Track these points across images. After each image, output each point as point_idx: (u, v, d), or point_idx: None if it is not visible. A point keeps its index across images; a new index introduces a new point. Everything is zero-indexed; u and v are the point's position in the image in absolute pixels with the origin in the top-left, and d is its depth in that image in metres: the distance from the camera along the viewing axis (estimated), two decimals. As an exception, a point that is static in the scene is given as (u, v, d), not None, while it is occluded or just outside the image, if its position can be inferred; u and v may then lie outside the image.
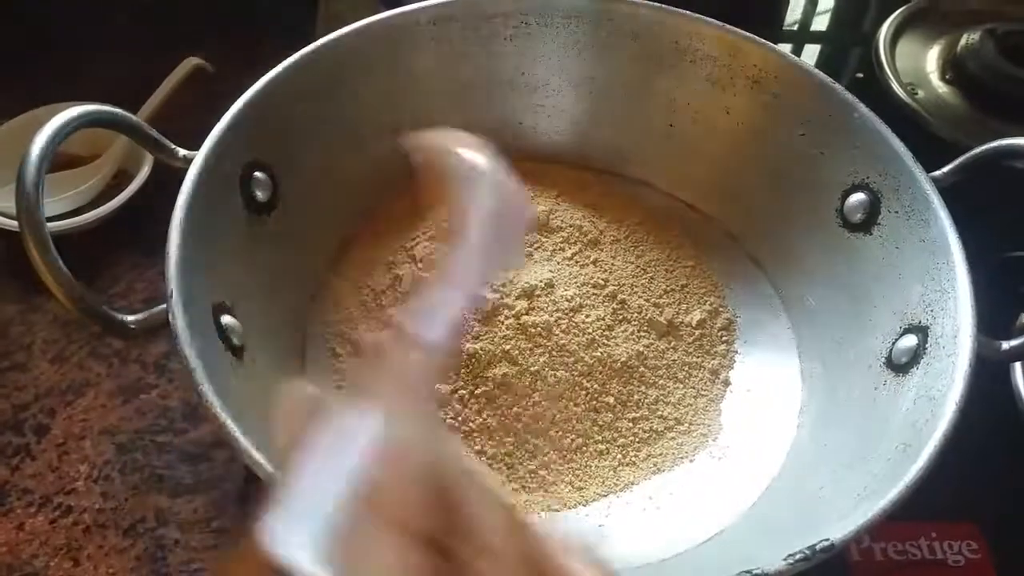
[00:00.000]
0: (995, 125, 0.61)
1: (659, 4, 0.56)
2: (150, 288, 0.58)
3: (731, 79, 0.55)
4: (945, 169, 0.48)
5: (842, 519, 0.36)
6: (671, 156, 0.60)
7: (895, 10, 0.68)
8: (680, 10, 0.56)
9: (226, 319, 0.43)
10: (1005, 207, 0.54)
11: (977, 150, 0.48)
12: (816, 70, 0.53)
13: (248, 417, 0.40)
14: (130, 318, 0.40)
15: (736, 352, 0.54)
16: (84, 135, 0.55)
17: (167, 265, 0.40)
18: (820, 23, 0.82)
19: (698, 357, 0.53)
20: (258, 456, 0.35)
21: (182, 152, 0.45)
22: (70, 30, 0.72)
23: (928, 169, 0.48)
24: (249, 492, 0.50)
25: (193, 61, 0.65)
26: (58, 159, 0.61)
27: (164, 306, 0.39)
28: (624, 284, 0.54)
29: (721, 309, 0.55)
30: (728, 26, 0.55)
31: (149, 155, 0.61)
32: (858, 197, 0.51)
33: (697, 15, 0.55)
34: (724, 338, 0.54)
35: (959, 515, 0.50)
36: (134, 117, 0.44)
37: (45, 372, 0.54)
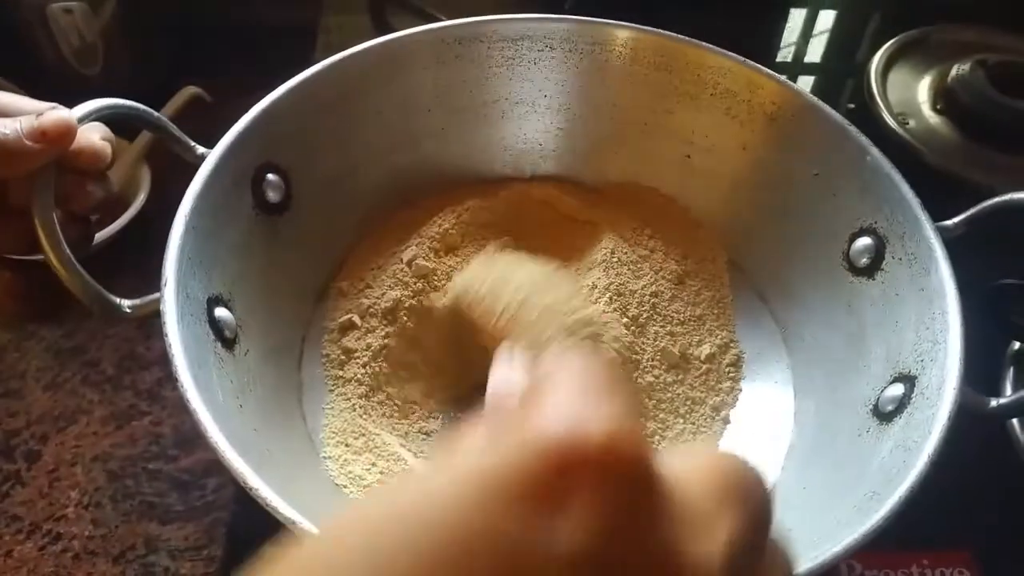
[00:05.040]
0: (986, 155, 0.61)
1: (682, 36, 0.56)
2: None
3: (750, 115, 0.55)
4: (956, 220, 0.47)
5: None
6: (687, 186, 0.60)
7: (888, 41, 0.68)
8: (703, 43, 0.56)
9: (220, 311, 0.44)
10: (997, 235, 0.53)
11: (989, 202, 0.47)
12: (832, 110, 0.52)
13: (228, 408, 0.41)
14: (126, 302, 0.41)
15: (740, 390, 0.53)
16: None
17: (167, 253, 0.41)
18: (814, 54, 0.81)
19: (702, 392, 0.52)
20: (230, 451, 0.35)
21: (200, 149, 0.46)
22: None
23: (926, 204, 0.47)
24: (239, 520, 0.50)
25: (191, 90, 0.65)
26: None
27: (159, 294, 0.40)
28: (644, 310, 0.53)
29: (731, 344, 0.55)
30: (749, 61, 0.55)
31: (146, 182, 0.63)
32: (864, 241, 0.50)
33: (720, 49, 0.55)
34: (731, 375, 0.53)
35: (951, 543, 0.49)
36: (155, 112, 0.46)
37: (38, 399, 0.54)
